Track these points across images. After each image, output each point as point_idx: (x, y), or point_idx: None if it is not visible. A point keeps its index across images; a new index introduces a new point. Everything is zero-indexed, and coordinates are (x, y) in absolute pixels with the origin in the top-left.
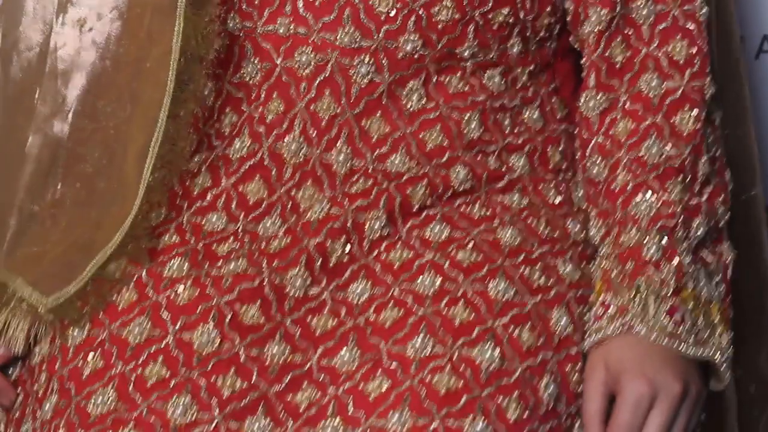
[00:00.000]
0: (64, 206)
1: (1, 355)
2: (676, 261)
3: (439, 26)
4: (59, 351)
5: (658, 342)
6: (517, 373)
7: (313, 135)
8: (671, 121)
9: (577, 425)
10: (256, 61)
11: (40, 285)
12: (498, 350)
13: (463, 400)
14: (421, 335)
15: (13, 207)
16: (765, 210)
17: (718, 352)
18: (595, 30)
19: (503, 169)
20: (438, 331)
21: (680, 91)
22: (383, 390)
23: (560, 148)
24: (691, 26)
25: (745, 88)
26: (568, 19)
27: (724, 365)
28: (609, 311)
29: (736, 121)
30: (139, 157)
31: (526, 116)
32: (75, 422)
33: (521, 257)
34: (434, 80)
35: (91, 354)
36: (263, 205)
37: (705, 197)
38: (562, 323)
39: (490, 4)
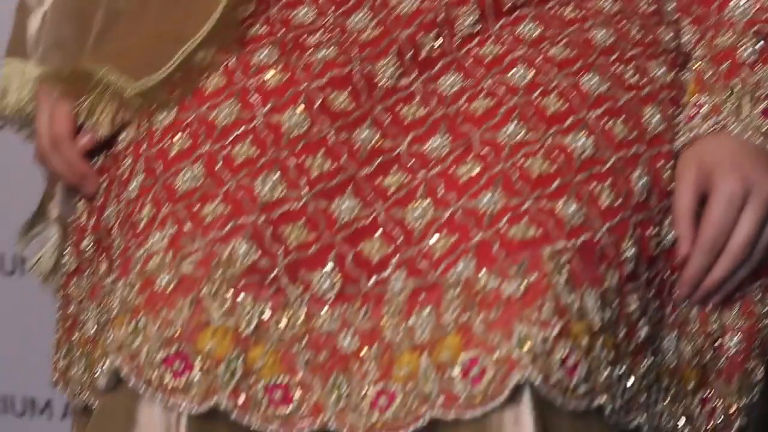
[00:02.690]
0: (149, 3)
1: (85, 143)
2: None
3: None
4: (146, 134)
5: (752, 141)
6: (610, 163)
7: None
8: None
9: (667, 221)
10: None
11: (128, 72)
12: (591, 139)
13: (555, 183)
14: (514, 122)
15: (98, 6)
16: None
17: None
18: None
19: None
20: (530, 119)
21: None
22: (474, 173)
23: None
24: None
25: None
26: None
27: None
28: (702, 111)
29: None
30: None
31: None
32: (162, 198)
33: (614, 56)
34: None
35: (179, 135)
36: (352, 0)
37: None
38: (654, 120)
39: None
